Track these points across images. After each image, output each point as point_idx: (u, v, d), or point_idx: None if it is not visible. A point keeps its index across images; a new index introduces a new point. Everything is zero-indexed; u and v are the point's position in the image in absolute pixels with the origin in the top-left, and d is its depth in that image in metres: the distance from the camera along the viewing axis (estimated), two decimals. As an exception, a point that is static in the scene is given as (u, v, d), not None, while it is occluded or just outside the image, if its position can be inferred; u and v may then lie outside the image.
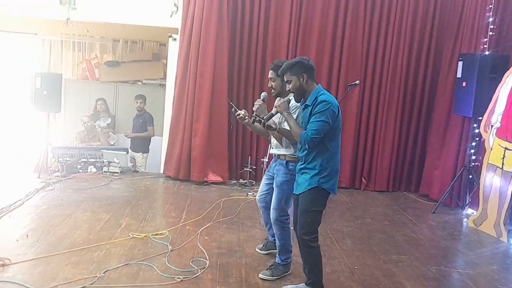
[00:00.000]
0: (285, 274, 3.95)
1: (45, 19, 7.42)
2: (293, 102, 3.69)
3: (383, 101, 7.25)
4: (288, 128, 3.57)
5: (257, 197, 4.31)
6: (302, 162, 3.51)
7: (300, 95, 3.51)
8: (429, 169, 7.01)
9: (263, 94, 4.03)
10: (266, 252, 4.41)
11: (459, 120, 6.56)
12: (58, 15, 6.93)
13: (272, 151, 4.07)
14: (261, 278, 3.86)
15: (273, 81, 3.94)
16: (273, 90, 3.98)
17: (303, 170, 3.50)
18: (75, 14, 6.97)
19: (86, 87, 8.81)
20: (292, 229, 3.86)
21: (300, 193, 3.50)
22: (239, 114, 3.95)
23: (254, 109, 3.87)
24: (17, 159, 7.89)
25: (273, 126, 3.61)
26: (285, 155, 3.89)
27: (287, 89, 3.58)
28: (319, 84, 3.55)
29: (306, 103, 3.47)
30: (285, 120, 3.61)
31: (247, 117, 3.94)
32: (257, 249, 4.49)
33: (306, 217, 3.44)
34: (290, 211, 3.91)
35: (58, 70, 8.70)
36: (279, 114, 3.68)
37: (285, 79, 3.51)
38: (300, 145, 3.51)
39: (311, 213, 3.44)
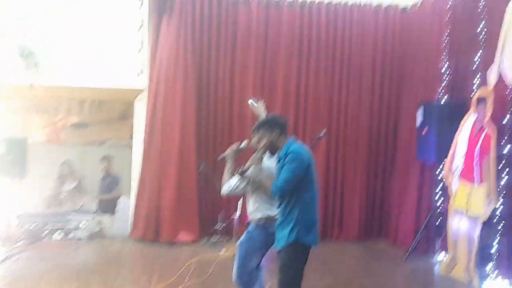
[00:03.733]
0: None
1: (8, 84, 7.36)
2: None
3: (350, 149, 7.40)
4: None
5: None
6: (280, 218, 3.52)
7: (274, 149, 3.61)
8: (395, 216, 7.08)
9: (244, 142, 4.10)
10: None
11: (421, 165, 6.70)
12: (23, 80, 6.89)
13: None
14: None
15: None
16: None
17: (281, 226, 3.49)
18: (39, 78, 6.94)
19: (52, 150, 8.67)
20: None
21: (279, 250, 3.47)
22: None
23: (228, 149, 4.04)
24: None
25: (246, 175, 3.71)
26: (249, 215, 4.00)
27: (260, 145, 3.65)
28: (293, 136, 3.64)
29: (279, 156, 3.54)
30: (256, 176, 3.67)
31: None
32: None
33: (285, 275, 3.40)
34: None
35: (22, 134, 8.55)
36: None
37: (259, 136, 3.62)
38: (274, 197, 3.54)
39: (289, 270, 3.40)
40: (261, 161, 3.74)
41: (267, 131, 3.56)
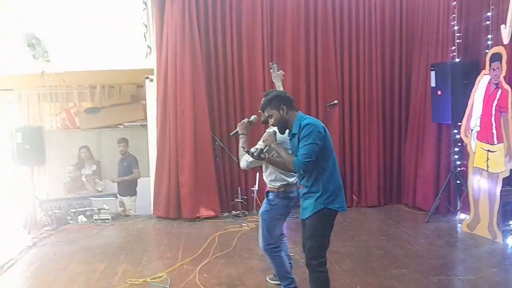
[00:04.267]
0: None
1: (20, 74, 7.40)
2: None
3: (363, 117, 7.38)
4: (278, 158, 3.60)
5: None
6: (304, 188, 3.53)
7: (284, 127, 3.56)
8: (414, 179, 7.08)
9: (252, 116, 4.13)
10: (277, 282, 4.35)
11: (435, 127, 6.67)
12: (33, 69, 6.95)
13: (263, 176, 4.19)
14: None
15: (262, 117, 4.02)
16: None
17: (307, 195, 3.51)
18: (49, 66, 7.01)
19: (68, 136, 8.77)
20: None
21: (306, 218, 3.51)
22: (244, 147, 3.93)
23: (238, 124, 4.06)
24: (5, 217, 7.75)
25: (262, 155, 3.64)
26: (267, 185, 4.04)
27: (270, 123, 3.63)
28: (299, 111, 3.61)
29: (293, 132, 3.52)
30: (275, 152, 3.65)
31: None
32: (268, 279, 4.49)
33: (314, 242, 3.45)
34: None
35: (38, 123, 8.65)
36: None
37: (266, 114, 3.60)
38: (296, 172, 3.54)
39: (318, 237, 3.45)
40: (275, 136, 3.65)
41: (274, 108, 3.53)
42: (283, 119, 3.52)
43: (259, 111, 3.89)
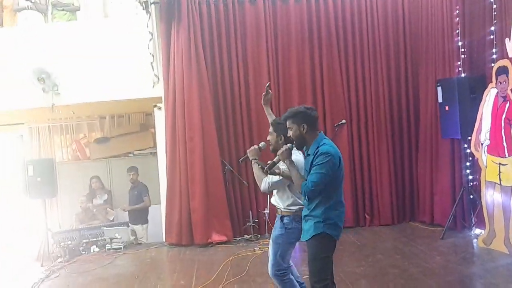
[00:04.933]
0: None
1: (30, 108, 7.52)
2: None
3: (372, 135, 7.36)
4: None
5: None
6: (307, 209, 3.50)
7: (301, 144, 3.52)
8: (426, 196, 7.01)
9: (261, 143, 4.16)
10: None
11: (447, 142, 6.64)
12: (43, 103, 7.05)
13: (272, 200, 4.15)
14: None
15: (270, 135, 4.05)
16: (270, 142, 4.06)
17: (307, 217, 3.49)
18: (59, 99, 7.11)
19: (79, 167, 8.85)
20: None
21: (307, 240, 3.48)
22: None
23: (247, 150, 4.04)
24: (18, 250, 7.77)
25: (276, 171, 3.64)
26: (280, 210, 3.98)
27: (288, 135, 3.59)
28: (321, 132, 3.56)
29: (308, 152, 3.48)
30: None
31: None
32: None
33: (315, 265, 3.41)
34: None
35: (48, 155, 8.74)
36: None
37: (287, 125, 3.54)
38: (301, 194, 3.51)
39: (319, 260, 3.41)
40: (291, 152, 3.61)
41: (295, 123, 3.48)
42: (301, 136, 3.48)
43: (272, 130, 3.95)
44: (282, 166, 3.73)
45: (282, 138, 3.86)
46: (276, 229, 4.01)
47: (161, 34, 7.08)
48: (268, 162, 3.69)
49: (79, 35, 7.23)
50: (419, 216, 7.25)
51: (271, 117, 4.32)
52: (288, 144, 3.59)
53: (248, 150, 4.07)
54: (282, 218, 3.96)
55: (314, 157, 3.39)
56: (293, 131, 3.50)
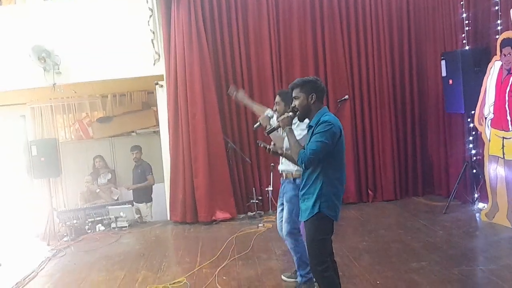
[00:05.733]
0: None
1: (32, 88, 7.49)
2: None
3: (375, 111, 7.32)
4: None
5: (277, 226, 4.40)
6: (303, 187, 3.43)
7: (305, 114, 3.43)
8: (429, 170, 7.00)
9: (267, 111, 4.35)
10: (293, 280, 4.37)
11: (454, 117, 6.59)
12: (45, 82, 7.02)
13: (280, 167, 4.25)
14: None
15: (278, 105, 4.14)
16: (278, 114, 4.13)
17: (304, 196, 3.41)
18: (60, 78, 7.08)
19: (82, 147, 8.87)
20: None
21: (304, 221, 3.42)
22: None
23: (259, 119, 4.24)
24: (24, 230, 7.86)
25: (279, 151, 3.62)
26: (291, 173, 4.10)
27: (293, 104, 3.49)
28: (325, 106, 3.48)
29: (310, 124, 3.41)
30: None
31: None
32: (283, 277, 4.49)
33: (314, 247, 3.34)
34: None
35: (51, 135, 8.75)
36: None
37: (294, 94, 3.44)
38: (298, 165, 3.41)
39: (318, 242, 3.34)
40: (292, 120, 3.48)
41: (304, 92, 3.38)
42: (308, 106, 3.38)
43: (280, 100, 4.07)
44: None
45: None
46: (288, 192, 4.13)
47: (161, 10, 6.99)
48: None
49: (79, 13, 7.17)
50: (421, 191, 7.25)
51: (256, 106, 4.60)
52: (290, 113, 3.47)
53: (259, 118, 4.25)
54: (294, 180, 4.08)
55: (315, 128, 3.31)
56: (300, 100, 3.40)
